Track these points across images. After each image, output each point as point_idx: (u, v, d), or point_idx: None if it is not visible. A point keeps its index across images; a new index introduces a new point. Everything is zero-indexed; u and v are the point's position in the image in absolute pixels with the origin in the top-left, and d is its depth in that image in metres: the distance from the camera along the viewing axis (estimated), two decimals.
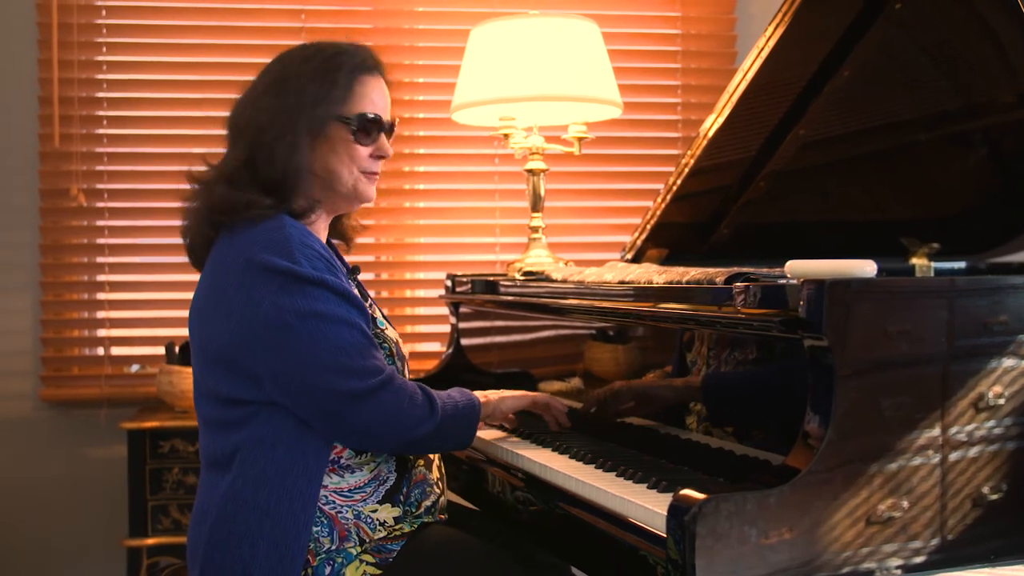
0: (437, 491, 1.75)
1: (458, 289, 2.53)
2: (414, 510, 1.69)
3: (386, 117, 1.75)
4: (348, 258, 1.90)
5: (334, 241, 1.89)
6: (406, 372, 1.79)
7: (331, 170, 1.70)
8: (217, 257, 1.64)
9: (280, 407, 1.59)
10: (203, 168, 1.72)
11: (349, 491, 1.62)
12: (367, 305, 1.72)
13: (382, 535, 1.63)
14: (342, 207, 1.78)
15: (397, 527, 1.65)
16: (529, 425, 1.98)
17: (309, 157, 1.67)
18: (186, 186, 1.72)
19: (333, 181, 1.71)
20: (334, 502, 1.61)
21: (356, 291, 1.71)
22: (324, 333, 1.55)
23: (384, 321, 1.78)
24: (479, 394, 1.78)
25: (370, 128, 1.71)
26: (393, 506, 1.66)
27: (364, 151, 1.72)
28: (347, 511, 1.61)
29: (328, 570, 1.58)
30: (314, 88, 1.67)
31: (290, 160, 1.65)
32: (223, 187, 1.65)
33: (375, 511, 1.63)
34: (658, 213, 2.52)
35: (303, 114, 1.66)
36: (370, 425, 1.58)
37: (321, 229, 1.77)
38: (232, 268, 1.59)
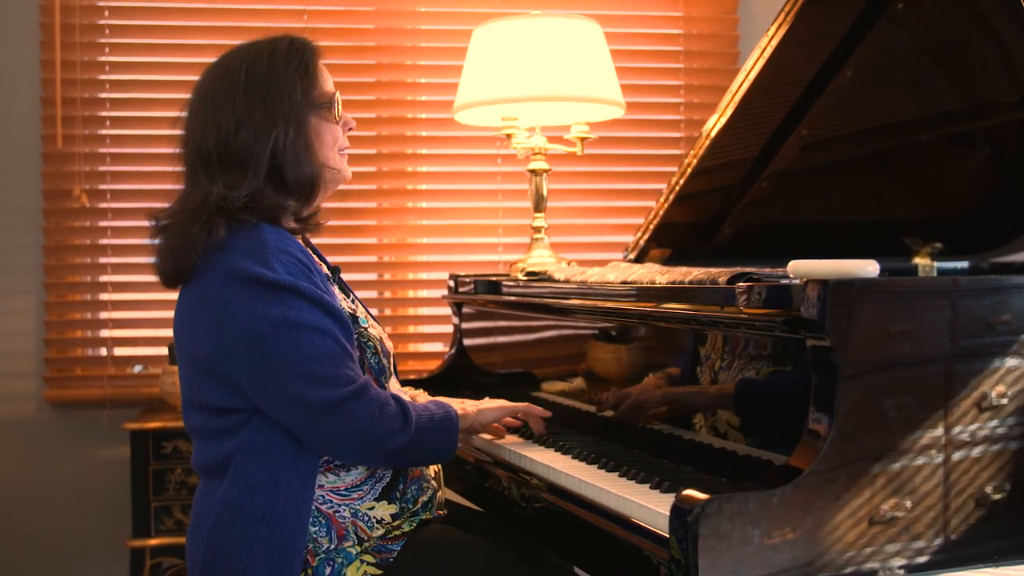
0: (434, 486, 1.76)
1: (461, 289, 2.53)
2: (411, 506, 1.69)
3: None
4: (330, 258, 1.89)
5: (312, 241, 1.89)
6: (392, 367, 1.79)
7: (326, 164, 1.72)
8: (200, 270, 1.62)
9: None
10: (166, 207, 1.69)
11: (346, 490, 1.62)
12: (349, 302, 1.73)
13: (380, 533, 1.63)
14: (325, 194, 1.78)
15: (395, 524, 1.66)
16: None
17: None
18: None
19: (328, 173, 1.73)
20: (331, 501, 1.61)
21: (339, 291, 1.72)
22: (296, 341, 1.54)
23: (368, 319, 1.77)
24: (458, 406, 1.76)
25: (337, 105, 1.74)
26: (390, 503, 1.66)
27: (338, 129, 1.75)
28: (344, 510, 1.61)
29: (328, 570, 1.58)
30: (301, 84, 1.68)
31: (313, 159, 1.68)
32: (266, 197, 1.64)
33: (372, 508, 1.63)
34: (661, 213, 2.52)
35: (306, 112, 1.68)
36: (339, 435, 1.57)
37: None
38: (213, 278, 1.58)
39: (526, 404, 1.93)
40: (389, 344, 1.79)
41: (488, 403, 1.88)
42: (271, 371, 1.54)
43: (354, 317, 1.69)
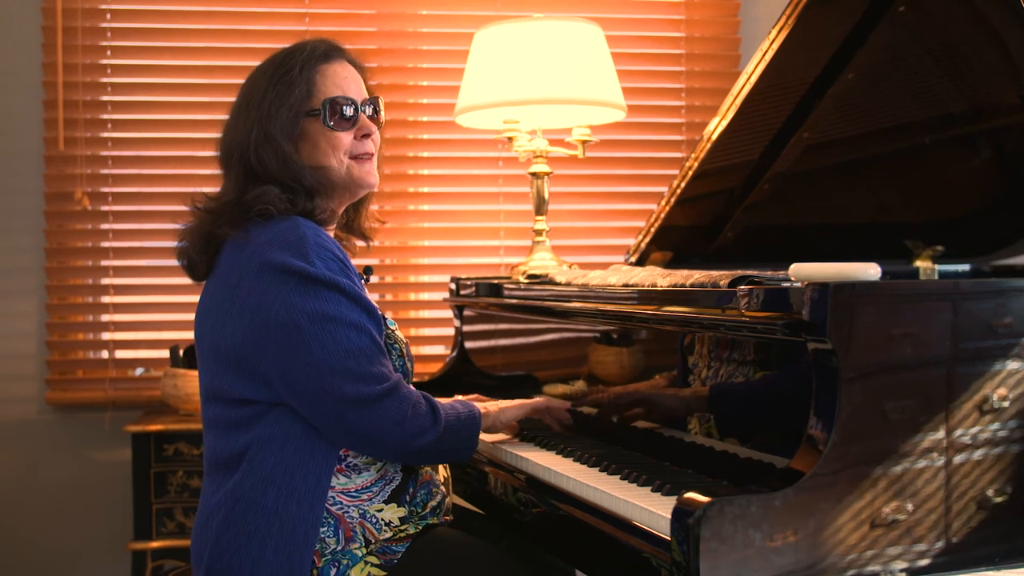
0: (443, 492, 1.76)
1: (462, 292, 2.53)
2: (420, 510, 1.69)
3: (358, 96, 1.75)
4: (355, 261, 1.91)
5: (353, 240, 1.91)
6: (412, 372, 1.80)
7: (320, 166, 1.71)
8: (228, 260, 1.64)
9: (290, 405, 1.60)
10: (203, 193, 1.74)
11: (356, 491, 1.63)
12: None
13: (387, 536, 1.63)
14: (347, 198, 1.78)
15: (402, 528, 1.65)
16: (533, 427, 1.98)
17: (298, 159, 1.69)
18: (189, 189, 1.73)
19: (326, 174, 1.72)
20: (341, 503, 1.61)
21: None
22: (333, 336, 1.55)
23: (393, 322, 1.78)
24: (479, 405, 1.78)
25: (342, 111, 1.72)
26: (399, 506, 1.66)
27: (345, 136, 1.73)
28: (353, 511, 1.61)
29: (334, 572, 1.58)
30: (273, 93, 1.69)
31: (287, 163, 1.67)
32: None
33: (380, 511, 1.64)
34: (662, 216, 2.52)
35: (274, 121, 1.67)
36: (372, 431, 1.58)
37: (331, 228, 1.78)
38: (246, 269, 1.59)
39: (545, 400, 1.93)
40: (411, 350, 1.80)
41: (508, 402, 1.89)
42: (306, 364, 1.55)
43: (383, 318, 1.70)
